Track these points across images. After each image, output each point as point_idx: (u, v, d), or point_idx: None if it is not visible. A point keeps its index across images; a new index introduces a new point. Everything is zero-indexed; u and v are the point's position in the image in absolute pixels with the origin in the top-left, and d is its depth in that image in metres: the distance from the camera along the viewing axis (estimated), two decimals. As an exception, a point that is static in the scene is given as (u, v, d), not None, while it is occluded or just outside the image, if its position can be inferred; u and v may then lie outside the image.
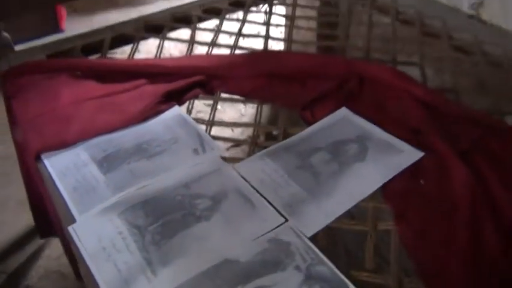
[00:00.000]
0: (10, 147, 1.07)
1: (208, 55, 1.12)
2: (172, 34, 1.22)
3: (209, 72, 1.03)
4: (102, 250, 0.67)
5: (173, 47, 1.41)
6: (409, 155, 0.82)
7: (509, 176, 0.76)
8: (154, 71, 1.03)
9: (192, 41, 1.18)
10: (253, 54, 1.12)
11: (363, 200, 0.74)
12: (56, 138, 0.86)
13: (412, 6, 1.30)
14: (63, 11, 2.22)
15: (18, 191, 1.13)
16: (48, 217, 0.97)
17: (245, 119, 1.01)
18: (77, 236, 0.69)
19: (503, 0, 1.23)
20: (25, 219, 1.32)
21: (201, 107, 1.13)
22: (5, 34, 1.14)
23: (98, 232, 0.69)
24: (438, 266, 0.66)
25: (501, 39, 1.16)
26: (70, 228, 0.70)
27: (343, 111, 0.93)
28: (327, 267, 0.64)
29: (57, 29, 2.13)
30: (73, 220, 0.71)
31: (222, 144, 0.87)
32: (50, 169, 0.80)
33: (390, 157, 0.82)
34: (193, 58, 1.12)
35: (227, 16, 1.29)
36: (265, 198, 0.74)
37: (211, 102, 0.98)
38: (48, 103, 0.95)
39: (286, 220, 0.71)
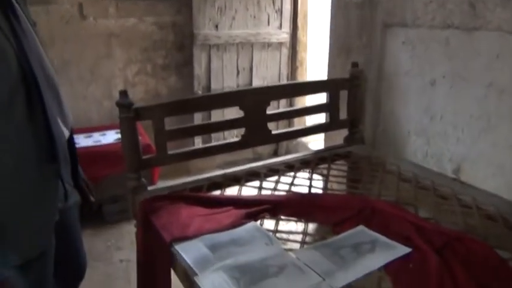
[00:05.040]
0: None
1: (272, 194, 1.65)
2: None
3: (273, 203, 1.54)
4: (215, 288, 1.10)
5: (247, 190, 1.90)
6: (402, 250, 1.24)
7: (465, 263, 1.17)
8: (238, 202, 1.56)
9: (260, 187, 1.72)
10: (301, 194, 1.64)
11: (372, 272, 1.16)
12: (181, 235, 1.35)
13: (411, 171, 1.82)
14: (156, 172, 2.90)
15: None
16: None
17: (298, 230, 1.48)
18: (200, 282, 1.13)
19: (474, 166, 1.74)
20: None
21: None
22: (143, 179, 1.72)
23: (212, 280, 1.13)
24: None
25: (471, 191, 1.63)
26: (196, 278, 1.15)
27: (361, 227, 1.39)
28: (349, 301, 1.04)
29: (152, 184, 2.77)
30: (196, 275, 1.16)
31: (283, 242, 1.33)
32: (180, 250, 1.28)
33: (390, 251, 1.25)
34: (262, 196, 1.64)
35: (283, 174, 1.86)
36: (311, 268, 1.17)
37: (274, 220, 1.47)
38: (173, 217, 1.46)
39: (324, 280, 1.13)
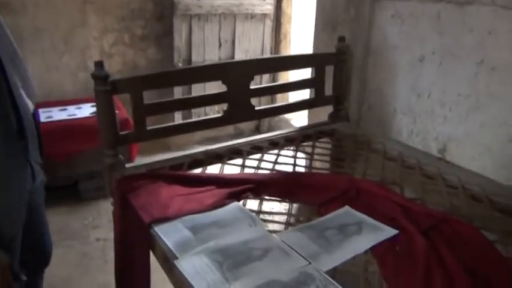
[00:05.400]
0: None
1: (255, 173, 1.60)
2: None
3: (256, 183, 1.50)
4: (197, 273, 1.06)
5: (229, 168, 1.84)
6: (388, 232, 1.22)
7: (451, 245, 1.15)
8: (220, 181, 1.51)
9: (243, 165, 1.67)
10: (285, 173, 1.60)
11: (359, 255, 1.13)
12: (160, 216, 1.29)
13: (396, 150, 1.79)
14: (135, 148, 2.82)
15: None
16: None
17: (281, 211, 1.44)
18: (180, 266, 1.09)
19: (460, 146, 1.73)
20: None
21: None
22: (120, 156, 1.65)
23: (193, 264, 1.09)
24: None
25: (457, 171, 1.62)
26: (176, 262, 1.10)
27: (346, 208, 1.36)
28: (334, 286, 1.01)
29: (130, 160, 2.70)
30: (176, 258, 1.12)
31: (267, 223, 1.29)
32: (159, 232, 1.23)
33: (376, 233, 1.22)
34: (245, 174, 1.59)
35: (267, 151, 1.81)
36: (296, 251, 1.14)
37: (258, 200, 1.43)
38: (152, 196, 1.40)
39: (310, 263, 1.10)
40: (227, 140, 1.92)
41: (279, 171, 1.63)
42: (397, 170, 1.64)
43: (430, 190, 1.51)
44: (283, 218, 1.34)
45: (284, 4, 3.54)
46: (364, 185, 1.48)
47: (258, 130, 3.70)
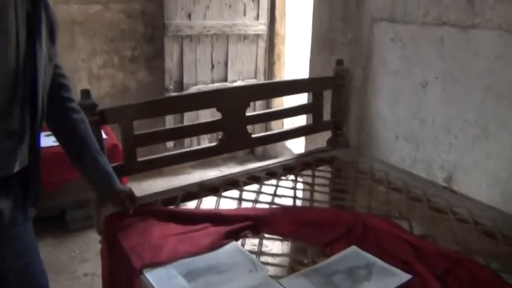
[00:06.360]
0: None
1: (253, 207, 1.51)
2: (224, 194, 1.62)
3: (255, 219, 1.40)
4: (193, 330, 0.95)
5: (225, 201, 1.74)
6: (401, 277, 1.13)
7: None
8: (216, 218, 1.41)
9: (240, 199, 1.58)
10: (286, 208, 1.51)
11: (370, 305, 1.03)
12: (152, 260, 1.19)
13: (400, 179, 1.71)
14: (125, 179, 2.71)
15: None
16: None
17: (284, 251, 1.35)
18: (174, 321, 0.98)
19: (468, 175, 1.65)
20: None
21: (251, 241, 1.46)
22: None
23: (188, 319, 0.98)
24: None
25: (467, 203, 1.54)
26: (169, 316, 0.99)
27: (353, 248, 1.26)
28: None
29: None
30: (170, 312, 1.01)
31: (269, 267, 1.19)
32: (151, 279, 1.12)
33: (388, 278, 1.13)
34: (243, 209, 1.50)
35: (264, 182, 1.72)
36: (302, 301, 1.04)
37: (257, 239, 1.33)
38: (144, 237, 1.30)
39: (318, 315, 1.00)
40: (220, 163, 1.84)
41: (279, 206, 1.53)
42: (403, 202, 1.56)
43: (441, 225, 1.43)
44: (285, 260, 1.25)
45: (277, 25, 3.49)
46: (370, 220, 1.39)
47: (252, 153, 3.61)
